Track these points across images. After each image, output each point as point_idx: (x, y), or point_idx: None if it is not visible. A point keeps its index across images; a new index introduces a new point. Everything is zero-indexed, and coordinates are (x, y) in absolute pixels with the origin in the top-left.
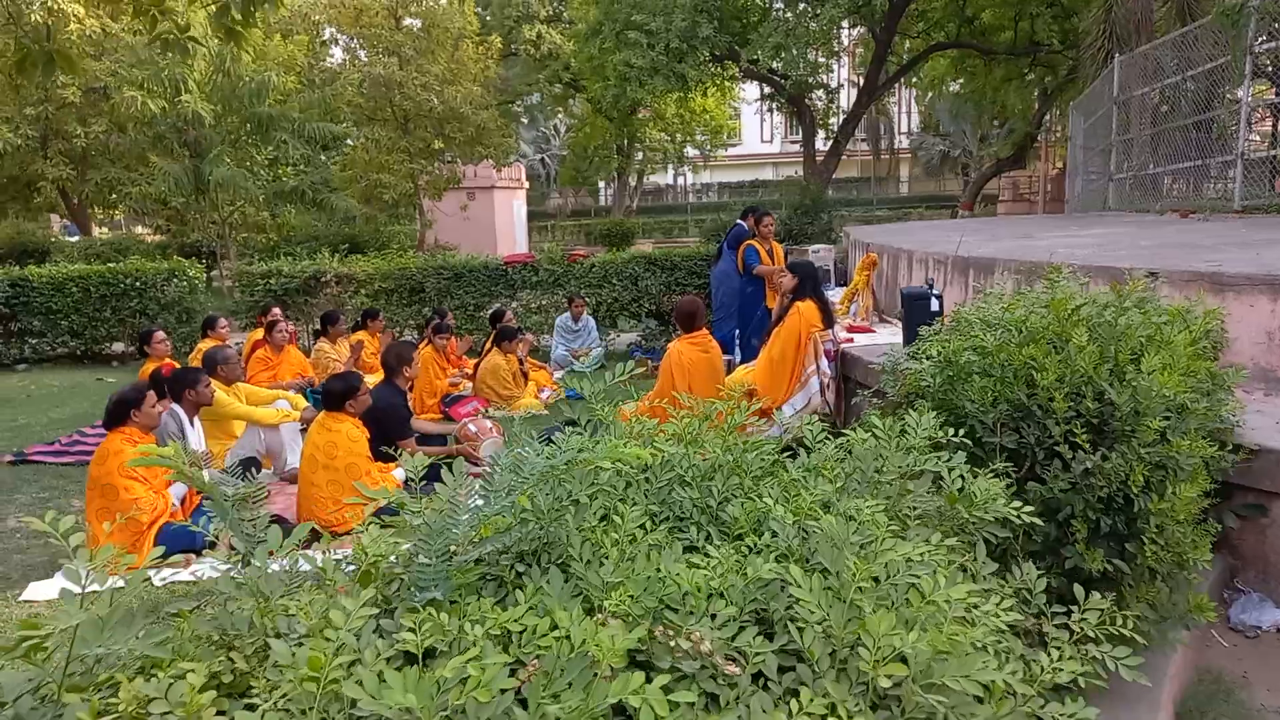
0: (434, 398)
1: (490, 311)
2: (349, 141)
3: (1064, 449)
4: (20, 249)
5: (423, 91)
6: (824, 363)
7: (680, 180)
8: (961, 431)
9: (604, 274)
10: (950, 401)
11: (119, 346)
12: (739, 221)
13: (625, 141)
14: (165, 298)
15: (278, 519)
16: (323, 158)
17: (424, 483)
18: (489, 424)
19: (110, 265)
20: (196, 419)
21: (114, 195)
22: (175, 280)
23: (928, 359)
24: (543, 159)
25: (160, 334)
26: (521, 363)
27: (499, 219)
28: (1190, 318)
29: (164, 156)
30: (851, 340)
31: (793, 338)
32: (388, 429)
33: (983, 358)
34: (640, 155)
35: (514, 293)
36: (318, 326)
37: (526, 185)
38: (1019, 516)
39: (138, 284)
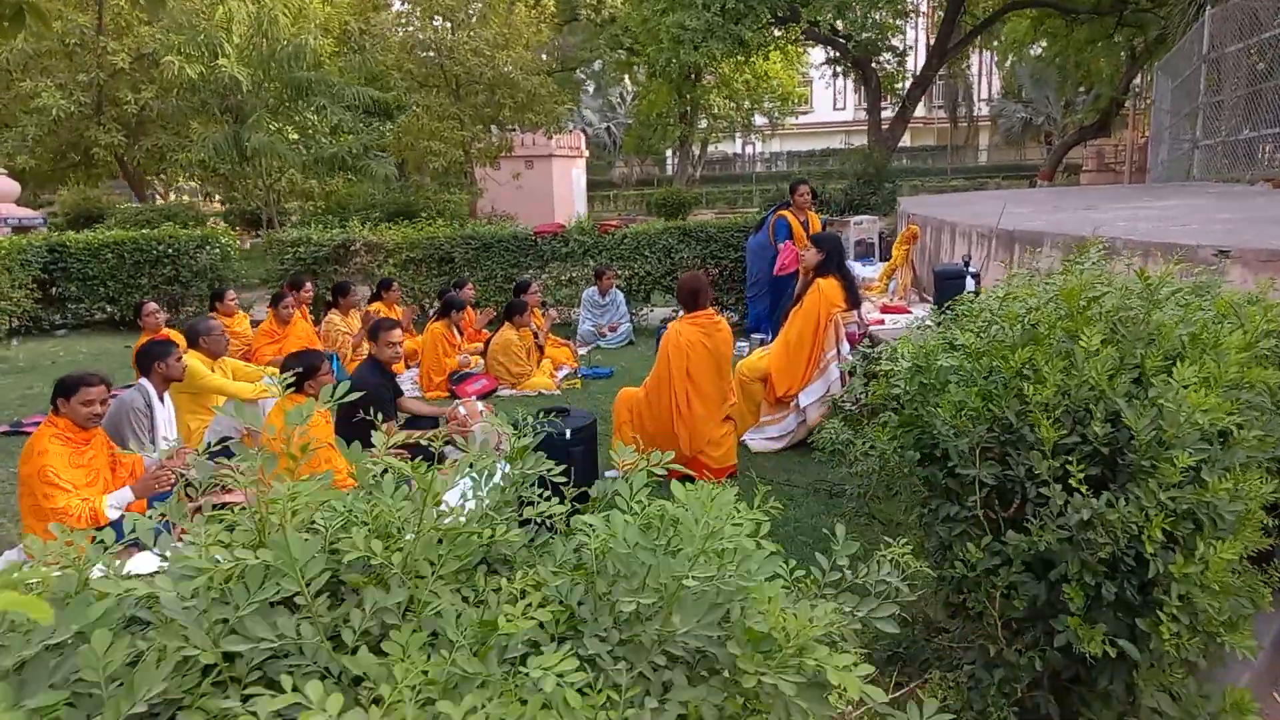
0: (441, 375)
1: (515, 283)
2: (402, 109)
3: (1053, 489)
4: (83, 214)
5: (473, 57)
6: (845, 347)
7: (748, 149)
8: (932, 459)
9: (636, 245)
10: (921, 417)
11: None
12: (786, 198)
13: (688, 109)
14: (198, 265)
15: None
16: (375, 124)
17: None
18: (481, 407)
19: (144, 231)
20: (167, 396)
21: (163, 162)
22: (208, 248)
23: (904, 359)
24: (608, 127)
25: (152, 305)
26: (537, 337)
27: (557, 187)
28: (1252, 309)
29: (206, 123)
30: (882, 322)
31: (811, 319)
32: (366, 410)
33: (966, 360)
34: (705, 123)
35: (544, 264)
36: (374, 292)
37: (586, 153)
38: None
39: (170, 251)
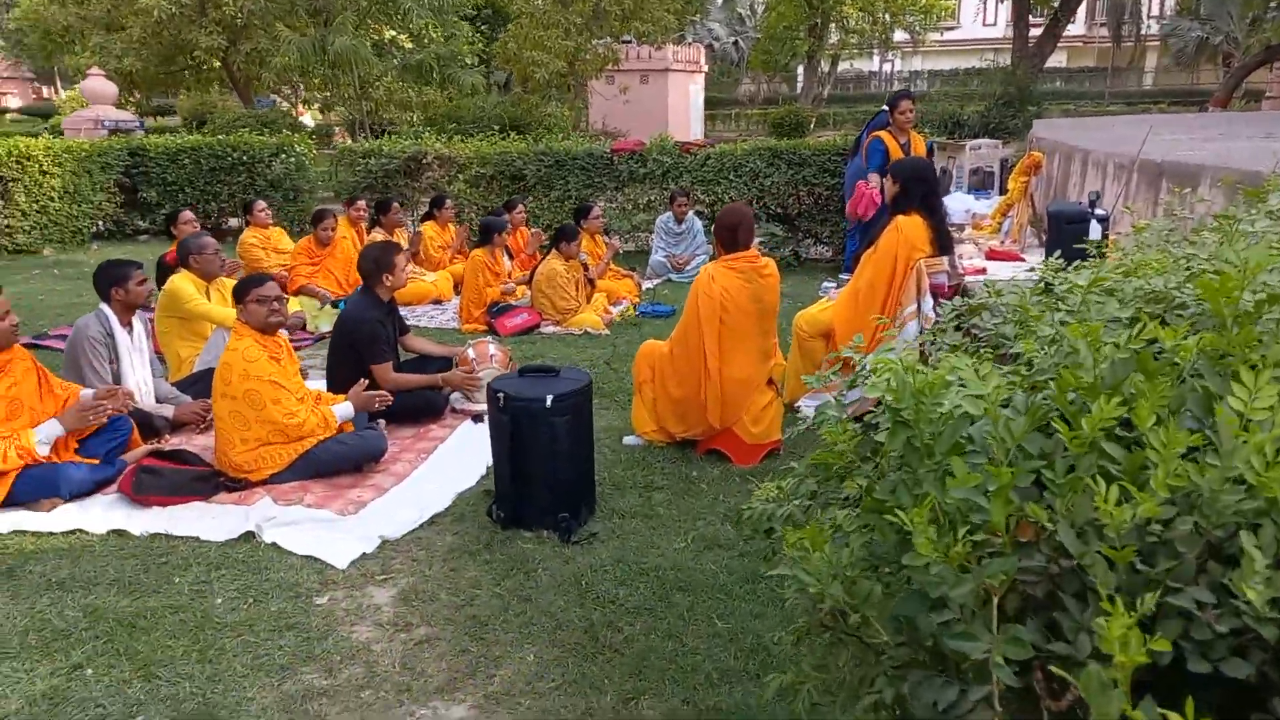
0: (480, 307)
1: (576, 208)
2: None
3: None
4: (199, 119)
5: None
6: (928, 302)
7: (885, 67)
8: (914, 599)
9: (719, 168)
10: (903, 516)
11: (235, 222)
12: (882, 109)
13: (819, 21)
14: (271, 174)
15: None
16: (468, 31)
17: (377, 420)
18: (494, 349)
19: (219, 138)
20: (138, 322)
21: (263, 67)
22: (283, 156)
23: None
24: (736, 41)
25: (187, 214)
26: (588, 269)
27: (673, 104)
28: None
29: (294, 26)
30: (984, 271)
31: (886, 264)
32: (359, 349)
33: (998, 407)
34: (835, 38)
35: (620, 185)
36: (426, 210)
37: (706, 69)
38: None
39: (245, 158)
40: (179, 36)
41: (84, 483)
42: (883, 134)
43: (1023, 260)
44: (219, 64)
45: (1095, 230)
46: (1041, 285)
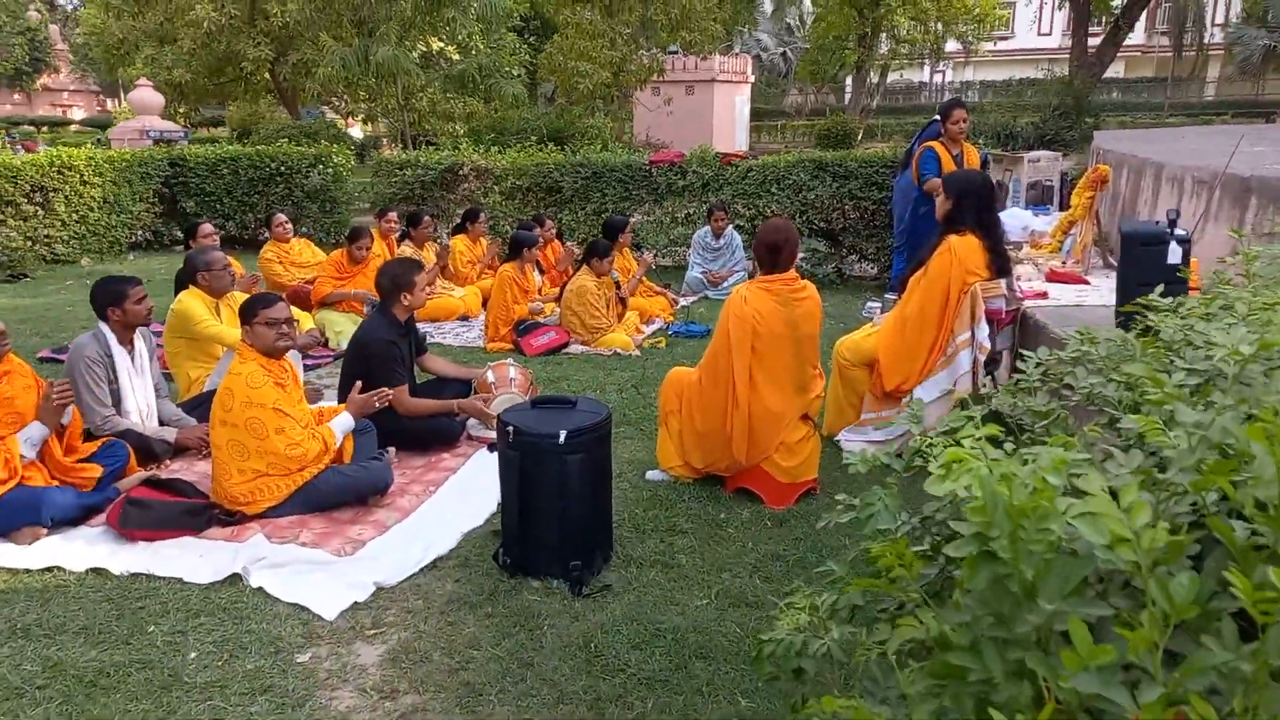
0: (507, 325)
1: (605, 222)
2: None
3: None
4: (247, 130)
5: None
6: (983, 329)
7: (935, 78)
8: None
9: (761, 180)
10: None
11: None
12: (934, 119)
13: (869, 31)
14: (309, 185)
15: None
16: (516, 43)
17: (387, 448)
18: (514, 373)
19: (259, 149)
20: (140, 340)
21: (309, 78)
22: (320, 167)
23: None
24: (784, 52)
25: (207, 227)
26: (619, 287)
27: (718, 115)
28: None
29: (338, 36)
30: (1044, 295)
31: (937, 289)
32: (372, 371)
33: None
34: (885, 48)
35: (658, 198)
36: (459, 221)
37: (753, 79)
38: None
39: (283, 169)
40: (228, 48)
41: (68, 508)
42: (935, 144)
43: (1087, 283)
44: (266, 75)
45: (1175, 253)
46: (1139, 327)
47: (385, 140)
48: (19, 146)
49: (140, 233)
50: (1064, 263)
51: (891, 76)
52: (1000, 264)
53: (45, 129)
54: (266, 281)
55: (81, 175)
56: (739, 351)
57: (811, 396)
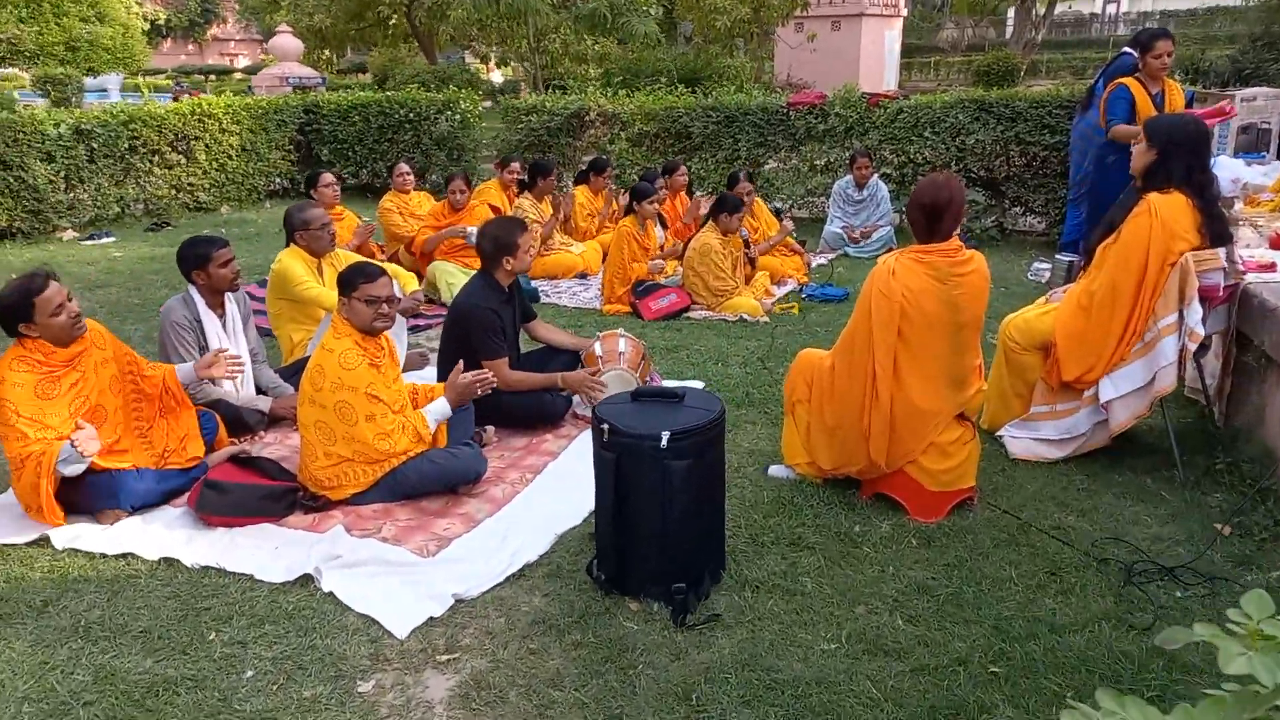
0: (625, 285)
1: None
2: None
3: None
4: (387, 76)
5: None
6: (1195, 313)
7: (1108, 9)
8: None
9: (913, 123)
10: None
11: None
12: (1125, 49)
13: None
14: (437, 131)
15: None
16: None
17: (485, 427)
18: (624, 345)
19: (388, 94)
20: (232, 304)
21: (443, 21)
22: (448, 113)
23: None
24: None
25: (328, 177)
26: (748, 245)
27: (865, 52)
28: None
29: None
30: (1271, 267)
31: (1135, 259)
32: (472, 341)
33: None
34: None
35: (796, 144)
36: (582, 168)
37: (905, 13)
38: None
39: (411, 115)
40: None
41: (149, 494)
42: (1128, 81)
43: None
44: (403, 19)
45: None
46: None
47: (523, 84)
48: (185, 95)
49: (278, 180)
50: None
51: (1059, 7)
52: (1217, 229)
53: (212, 77)
54: (385, 232)
55: (220, 123)
56: (882, 336)
57: (970, 393)
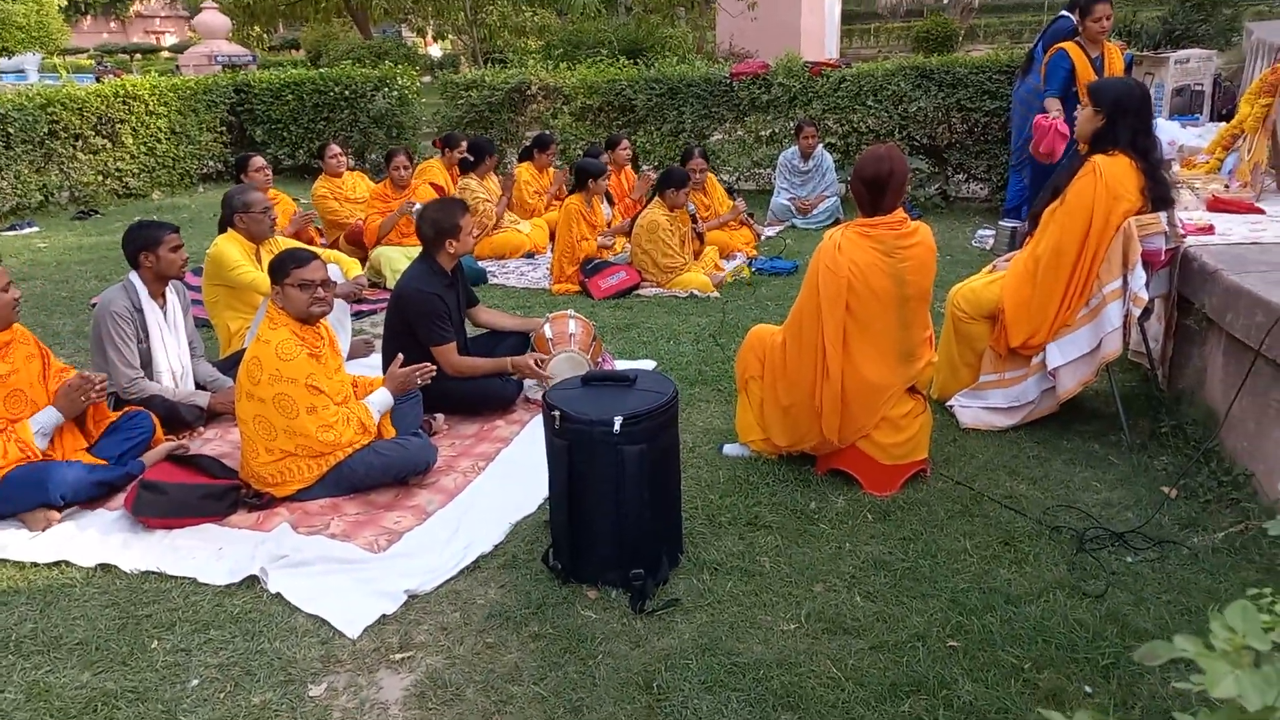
0: (574, 264)
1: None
2: None
3: None
4: (318, 53)
5: None
6: (1138, 277)
7: None
8: None
9: (855, 92)
10: None
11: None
12: (1063, 13)
13: None
14: (374, 109)
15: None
16: None
17: (435, 415)
18: (574, 327)
19: (322, 72)
20: (173, 294)
21: None
22: (385, 90)
23: None
24: None
25: (258, 160)
26: (695, 220)
27: (806, 19)
28: None
29: None
30: (1209, 229)
31: (1079, 222)
32: (415, 328)
33: None
34: None
35: (740, 115)
36: (526, 144)
37: None
38: None
39: (347, 93)
40: None
41: (80, 484)
42: (1067, 46)
43: (1261, 212)
44: None
45: None
46: None
47: (463, 59)
48: (108, 75)
49: (210, 163)
50: (1227, 186)
51: None
52: (1159, 192)
53: (138, 56)
54: (322, 220)
55: (147, 105)
56: (830, 311)
57: (920, 365)
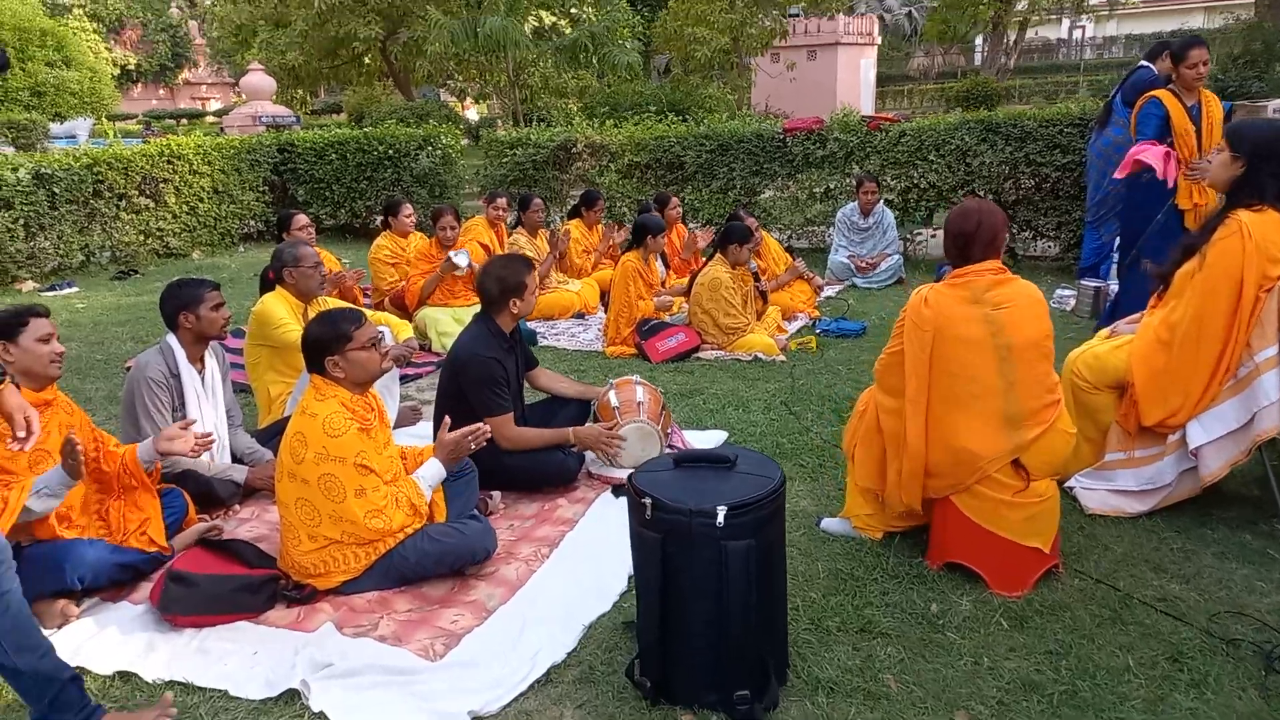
0: (631, 325)
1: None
2: None
3: None
4: (363, 114)
5: None
6: None
7: (1075, 34)
8: None
9: (917, 146)
10: None
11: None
12: (1142, 63)
13: None
14: (418, 168)
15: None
16: (630, 14)
17: (491, 493)
18: (641, 394)
19: (366, 131)
20: (212, 358)
21: (419, 56)
22: (429, 149)
23: None
24: (910, 11)
25: (302, 218)
26: (758, 278)
27: (841, 80)
28: None
29: (449, 12)
30: None
31: (1225, 285)
32: (471, 396)
33: None
34: (1024, 2)
35: (793, 171)
36: (573, 203)
37: (879, 41)
38: None
39: (390, 152)
40: (339, 28)
41: (101, 565)
42: (1160, 94)
43: None
44: (378, 56)
45: None
46: None
47: (500, 121)
48: (154, 138)
49: (251, 223)
50: None
51: (1027, 34)
52: None
53: (184, 121)
54: (374, 279)
55: (191, 164)
56: (913, 368)
57: (1030, 436)
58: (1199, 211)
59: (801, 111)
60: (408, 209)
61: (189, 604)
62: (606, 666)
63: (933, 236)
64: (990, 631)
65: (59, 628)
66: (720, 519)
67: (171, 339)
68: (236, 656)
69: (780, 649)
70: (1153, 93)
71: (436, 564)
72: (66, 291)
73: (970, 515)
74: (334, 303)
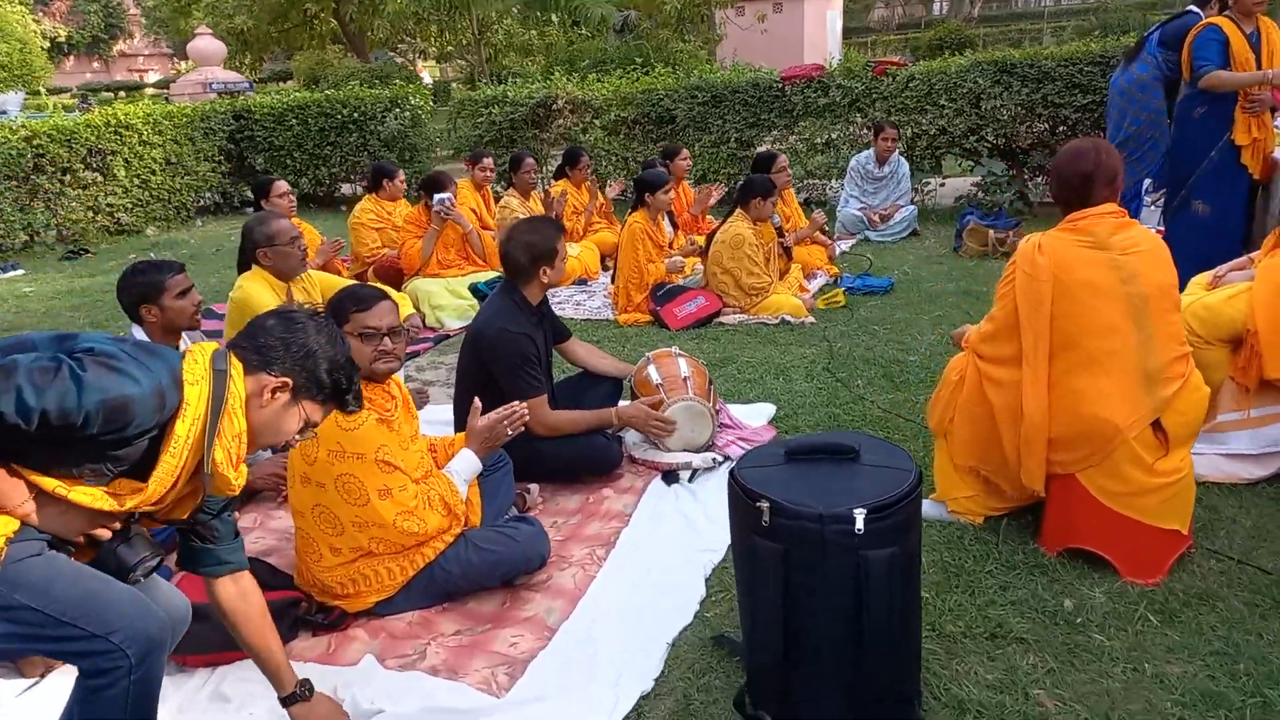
0: (642, 290)
1: (757, 152)
2: None
3: None
4: (316, 79)
5: None
6: None
7: None
8: None
9: (927, 90)
10: None
11: (347, 188)
12: (1191, 8)
13: None
14: (386, 131)
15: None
16: None
17: (528, 487)
18: (684, 367)
19: (328, 94)
20: (189, 347)
21: (376, 16)
22: (396, 111)
23: None
24: None
25: (281, 185)
26: (783, 236)
27: (809, 33)
28: None
29: None
30: None
31: None
32: (500, 378)
33: None
34: None
35: (793, 122)
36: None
37: None
38: None
39: (356, 115)
40: None
41: None
42: (1219, 20)
43: None
44: (331, 19)
45: None
46: None
47: (457, 84)
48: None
49: (208, 195)
50: None
51: None
52: None
53: (122, 94)
54: (353, 247)
55: (140, 134)
56: (1030, 323)
57: (1169, 391)
58: (1257, 148)
59: (771, 64)
60: (402, 175)
61: (200, 642)
62: (704, 695)
63: (942, 185)
64: (1139, 629)
65: (42, 676)
66: (860, 525)
67: (137, 332)
68: (263, 703)
69: (915, 669)
70: (1210, 19)
71: (486, 576)
72: (11, 274)
73: (1099, 498)
74: (321, 279)
